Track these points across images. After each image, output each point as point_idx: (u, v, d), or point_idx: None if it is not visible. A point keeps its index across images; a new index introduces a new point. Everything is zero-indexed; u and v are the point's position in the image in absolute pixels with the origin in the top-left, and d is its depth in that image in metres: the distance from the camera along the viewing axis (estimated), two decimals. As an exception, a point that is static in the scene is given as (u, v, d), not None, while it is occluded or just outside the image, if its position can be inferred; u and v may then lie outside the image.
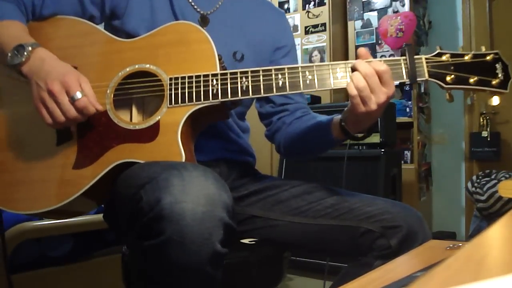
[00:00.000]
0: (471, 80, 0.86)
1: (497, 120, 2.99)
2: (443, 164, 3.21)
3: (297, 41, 3.20)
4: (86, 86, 0.87)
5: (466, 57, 0.87)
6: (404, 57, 0.87)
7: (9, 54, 0.87)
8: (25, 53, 0.86)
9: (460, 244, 0.80)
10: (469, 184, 2.43)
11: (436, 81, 0.87)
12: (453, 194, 3.15)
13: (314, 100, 2.78)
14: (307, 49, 3.17)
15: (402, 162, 2.72)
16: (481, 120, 2.99)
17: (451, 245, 0.80)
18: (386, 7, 2.99)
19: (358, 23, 3.11)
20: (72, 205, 0.90)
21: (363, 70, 0.84)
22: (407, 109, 2.91)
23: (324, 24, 3.11)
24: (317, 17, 3.14)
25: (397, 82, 0.88)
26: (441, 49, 0.89)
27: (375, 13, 3.05)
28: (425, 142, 3.10)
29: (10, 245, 1.40)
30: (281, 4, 3.30)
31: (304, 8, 3.20)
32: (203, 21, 1.04)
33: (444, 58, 0.88)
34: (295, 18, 3.23)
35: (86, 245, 1.67)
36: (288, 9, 3.29)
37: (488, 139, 2.90)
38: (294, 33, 3.18)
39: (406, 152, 2.95)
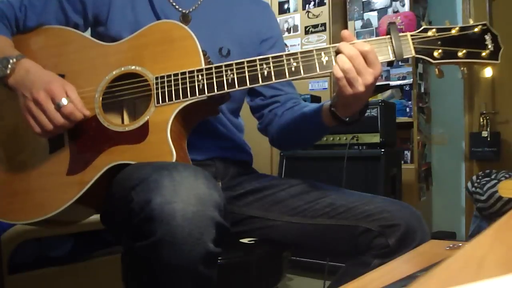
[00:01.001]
0: (460, 54, 0.85)
1: (497, 120, 2.99)
2: (443, 164, 3.21)
3: (297, 41, 3.20)
4: (72, 92, 0.88)
5: (453, 31, 0.86)
6: (389, 36, 0.87)
7: None
8: (9, 66, 0.88)
9: (460, 244, 0.80)
10: (469, 184, 2.43)
11: (424, 57, 0.86)
12: (453, 194, 3.15)
13: (314, 100, 2.78)
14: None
15: (402, 162, 2.72)
16: (481, 120, 2.99)
17: (451, 245, 0.80)
18: (386, 7, 2.99)
19: (358, 23, 3.11)
20: (69, 213, 0.89)
21: (347, 52, 0.84)
22: (407, 109, 2.91)
23: (324, 24, 3.11)
24: (317, 17, 3.14)
25: (384, 61, 0.87)
26: (426, 25, 0.88)
27: (375, 13, 3.05)
28: (425, 142, 3.10)
29: (10, 245, 1.41)
30: (281, 4, 3.30)
31: (304, 8, 3.20)
32: (184, 19, 1.04)
33: (430, 33, 0.87)
34: (295, 18, 3.23)
35: (86, 245, 1.67)
36: (288, 9, 3.29)
37: (488, 139, 2.91)
38: (294, 33, 3.20)
39: (406, 152, 2.95)
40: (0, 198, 0.93)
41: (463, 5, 3.11)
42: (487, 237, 0.39)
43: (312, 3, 3.17)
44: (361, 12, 3.10)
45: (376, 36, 3.01)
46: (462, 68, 0.88)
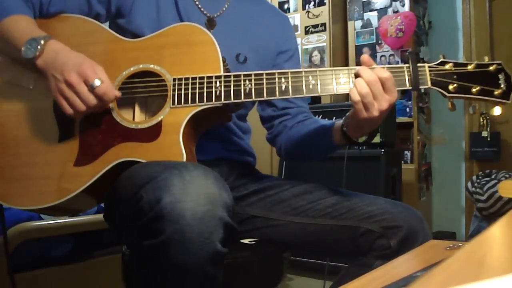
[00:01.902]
0: (474, 90, 0.87)
1: (497, 120, 2.99)
2: (443, 164, 3.21)
3: (297, 41, 3.19)
4: (102, 73, 0.87)
5: (469, 67, 0.87)
6: (407, 65, 0.88)
7: (23, 48, 0.87)
8: (39, 47, 0.87)
9: (460, 244, 0.80)
10: (469, 184, 2.43)
11: (439, 89, 0.88)
12: (453, 194, 3.15)
13: (314, 100, 2.78)
14: (307, 49, 3.17)
15: (402, 162, 2.72)
16: (481, 120, 2.99)
17: (451, 245, 0.80)
18: (386, 7, 2.99)
19: (358, 23, 3.11)
20: (72, 202, 0.90)
21: (366, 77, 0.85)
22: (407, 109, 2.91)
23: (324, 24, 3.11)
24: (317, 17, 3.14)
25: (400, 89, 0.88)
26: (444, 57, 0.89)
27: (375, 13, 3.05)
28: (425, 142, 3.10)
29: (10, 245, 1.40)
30: (281, 4, 3.30)
31: (304, 8, 3.20)
32: (210, 24, 1.05)
33: (447, 67, 0.88)
34: (295, 18, 3.23)
35: (86, 245, 1.67)
36: (288, 9, 3.29)
37: (488, 139, 2.90)
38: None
39: (406, 152, 2.95)
40: (5, 182, 0.93)
41: (463, 5, 3.11)
42: (487, 237, 0.39)
43: (312, 3, 3.17)
44: (361, 12, 3.10)
45: (376, 36, 3.01)
46: (473, 104, 0.90)
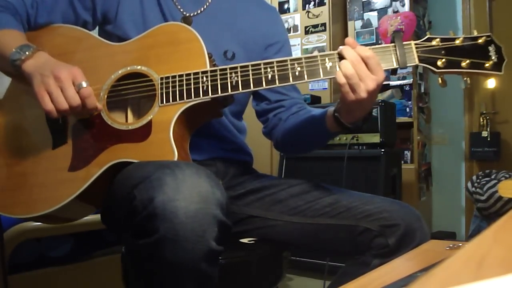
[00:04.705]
0: (463, 64, 0.85)
1: (497, 120, 2.99)
2: (443, 164, 3.21)
3: (297, 41, 3.20)
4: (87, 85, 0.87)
5: (457, 41, 0.86)
6: (393, 44, 0.87)
7: (13, 50, 0.87)
8: (29, 52, 0.88)
9: (460, 244, 0.80)
10: (469, 184, 2.43)
11: (427, 65, 0.87)
12: (453, 194, 3.15)
13: (314, 100, 2.78)
14: (307, 49, 3.17)
15: (402, 162, 2.72)
16: (481, 120, 2.99)
17: (451, 245, 0.80)
18: (386, 7, 2.99)
19: (358, 23, 3.11)
20: (69, 209, 0.90)
21: (349, 57, 0.84)
22: (407, 109, 2.91)
23: (324, 24, 3.11)
24: (317, 17, 3.14)
25: (388, 69, 0.87)
26: (431, 34, 0.88)
27: (375, 13, 3.05)
28: (425, 142, 3.10)
29: (10, 245, 1.41)
30: (281, 4, 3.30)
31: (304, 8, 3.20)
32: (186, 22, 1.05)
33: (434, 42, 0.87)
34: (295, 18, 3.23)
35: (86, 245, 1.67)
36: (288, 9, 3.29)
37: (488, 139, 2.91)
38: (294, 33, 3.20)
39: (406, 152, 2.95)
40: (1, 192, 0.93)
41: (463, 5, 3.11)
42: (487, 237, 0.39)
43: (312, 3, 3.17)
44: (361, 12, 3.10)
45: (376, 36, 3.01)
46: (465, 78, 0.89)
